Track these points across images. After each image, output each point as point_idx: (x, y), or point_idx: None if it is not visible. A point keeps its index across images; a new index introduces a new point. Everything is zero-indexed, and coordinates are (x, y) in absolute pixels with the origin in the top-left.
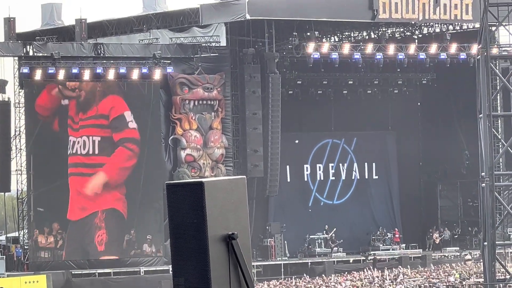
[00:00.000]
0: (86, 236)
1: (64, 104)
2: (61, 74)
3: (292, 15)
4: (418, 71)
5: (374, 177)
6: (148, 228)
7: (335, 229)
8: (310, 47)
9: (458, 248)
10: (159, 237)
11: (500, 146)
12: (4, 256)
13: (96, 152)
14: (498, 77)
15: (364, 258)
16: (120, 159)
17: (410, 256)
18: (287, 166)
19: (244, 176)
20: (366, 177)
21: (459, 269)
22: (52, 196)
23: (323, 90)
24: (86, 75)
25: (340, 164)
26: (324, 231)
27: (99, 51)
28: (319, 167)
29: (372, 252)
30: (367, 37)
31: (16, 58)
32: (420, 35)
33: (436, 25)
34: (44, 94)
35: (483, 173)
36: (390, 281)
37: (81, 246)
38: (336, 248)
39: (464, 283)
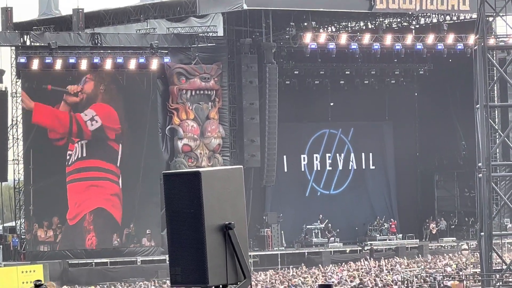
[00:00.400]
0: (77, 238)
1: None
2: (58, 64)
3: (289, 5)
4: (415, 61)
5: (371, 167)
6: (148, 222)
7: (327, 220)
8: (307, 37)
9: (455, 238)
10: (158, 231)
11: (497, 136)
12: (1, 246)
13: (85, 155)
14: (495, 68)
15: (361, 248)
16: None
17: (406, 246)
18: (284, 156)
19: (241, 166)
20: (363, 167)
21: (456, 260)
22: (52, 190)
23: (320, 80)
24: (83, 65)
25: (337, 154)
26: (319, 220)
27: (96, 41)
28: (316, 157)
29: (369, 242)
30: (364, 27)
31: (13, 47)
32: (417, 26)
33: (433, 15)
34: (54, 120)
35: (480, 164)
36: (387, 271)
37: (73, 245)
38: (333, 238)
39: (461, 273)
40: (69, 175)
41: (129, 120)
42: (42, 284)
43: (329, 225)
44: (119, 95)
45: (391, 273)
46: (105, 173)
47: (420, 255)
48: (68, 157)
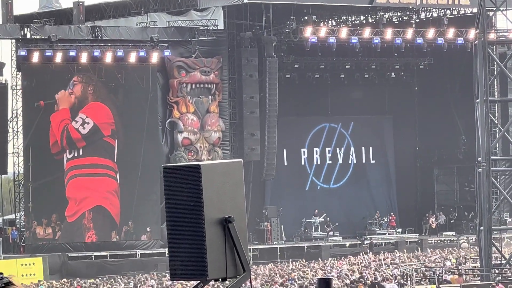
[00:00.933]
0: (77, 235)
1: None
2: (59, 57)
3: None
4: (415, 56)
5: (371, 161)
6: (147, 220)
7: (324, 214)
8: (308, 31)
9: (454, 232)
10: (157, 228)
11: (497, 131)
12: (1, 239)
13: (81, 153)
14: (495, 62)
15: (361, 242)
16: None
17: (406, 240)
18: (284, 150)
19: (241, 160)
20: (363, 161)
21: (455, 254)
22: (51, 187)
23: (320, 74)
24: (84, 58)
25: (337, 148)
26: (313, 216)
27: (96, 34)
28: (316, 151)
29: (368, 236)
30: (364, 22)
31: (14, 40)
32: (418, 20)
33: (434, 9)
34: (54, 127)
35: (479, 158)
36: (386, 265)
37: (73, 241)
38: (332, 232)
39: (460, 267)
40: (66, 173)
41: (124, 116)
42: (10, 282)
43: (328, 219)
44: (109, 93)
45: (390, 267)
46: (103, 169)
47: (419, 249)
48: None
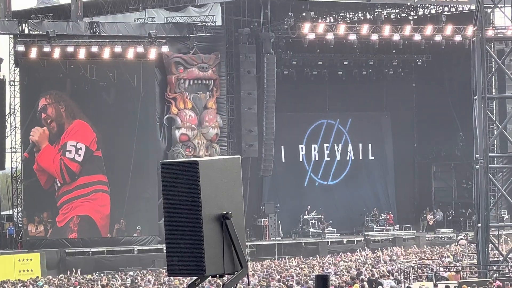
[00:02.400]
0: (67, 234)
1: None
2: (57, 53)
3: None
4: (413, 52)
5: (369, 158)
6: (139, 218)
7: (315, 211)
8: (306, 28)
9: (452, 229)
10: (151, 226)
11: (495, 128)
12: None
13: (76, 177)
14: (493, 59)
15: (363, 238)
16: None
17: (403, 237)
18: (282, 146)
19: (239, 156)
20: (361, 158)
21: (453, 251)
22: (42, 186)
23: (318, 70)
24: (82, 53)
25: (335, 145)
26: (306, 212)
27: (94, 30)
28: (314, 147)
29: (366, 233)
30: (362, 18)
31: (12, 36)
32: (416, 17)
33: (432, 6)
34: (48, 168)
35: (477, 155)
36: (383, 262)
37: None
38: (324, 229)
39: (457, 264)
40: (58, 199)
41: (113, 115)
42: None
43: (322, 215)
44: (80, 105)
45: (388, 263)
46: (95, 185)
47: (417, 246)
48: (55, 184)
